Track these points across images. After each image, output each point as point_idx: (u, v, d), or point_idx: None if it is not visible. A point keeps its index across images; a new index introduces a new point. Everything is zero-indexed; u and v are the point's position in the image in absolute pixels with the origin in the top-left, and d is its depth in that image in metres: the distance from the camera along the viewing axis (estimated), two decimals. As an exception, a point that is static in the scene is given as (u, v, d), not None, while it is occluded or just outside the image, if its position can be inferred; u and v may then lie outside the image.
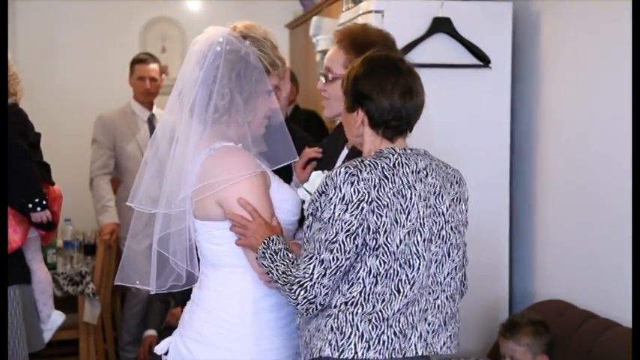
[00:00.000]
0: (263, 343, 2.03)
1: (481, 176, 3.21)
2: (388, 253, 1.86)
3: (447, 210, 1.95)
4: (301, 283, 1.86)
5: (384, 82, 1.93)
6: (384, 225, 1.85)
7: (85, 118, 4.92)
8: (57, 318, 2.94)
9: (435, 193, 1.93)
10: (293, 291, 1.87)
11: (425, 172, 1.93)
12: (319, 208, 1.88)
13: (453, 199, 1.97)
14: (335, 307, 1.90)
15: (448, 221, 1.95)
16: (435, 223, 1.93)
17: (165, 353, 2.13)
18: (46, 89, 5.25)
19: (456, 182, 2.00)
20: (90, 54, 5.60)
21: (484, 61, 3.17)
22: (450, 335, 1.98)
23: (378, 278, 1.87)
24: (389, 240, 1.86)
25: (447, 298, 1.96)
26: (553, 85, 3.14)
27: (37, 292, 2.83)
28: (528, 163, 3.30)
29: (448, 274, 1.96)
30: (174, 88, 2.07)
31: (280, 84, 2.24)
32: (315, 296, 1.85)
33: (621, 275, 2.58)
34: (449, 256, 1.95)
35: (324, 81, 2.33)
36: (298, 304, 1.88)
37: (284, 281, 1.89)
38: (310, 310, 1.88)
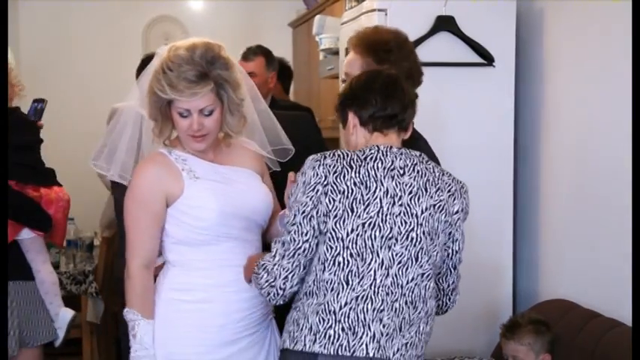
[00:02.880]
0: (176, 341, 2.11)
1: (485, 175, 3.20)
2: (335, 239, 1.86)
3: (422, 213, 1.90)
4: (265, 266, 1.93)
5: (367, 82, 1.97)
6: (335, 209, 1.86)
7: (87, 117, 4.93)
8: (65, 315, 2.96)
9: (410, 193, 1.90)
10: (259, 276, 1.93)
11: (401, 171, 1.90)
12: (290, 194, 1.95)
13: (434, 205, 1.92)
14: (299, 299, 1.93)
15: (421, 224, 1.89)
16: (405, 223, 1.88)
17: None
18: (49, 89, 5.22)
19: (448, 191, 1.95)
20: (92, 53, 5.61)
21: (488, 59, 3.16)
22: (407, 343, 1.89)
23: (326, 265, 1.87)
24: (337, 225, 1.86)
25: (405, 303, 1.89)
26: (557, 83, 3.13)
27: (42, 292, 2.85)
28: (532, 162, 3.29)
29: (412, 280, 1.89)
30: None
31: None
32: (275, 279, 1.90)
33: (625, 275, 2.57)
34: (416, 260, 1.89)
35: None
36: (262, 288, 1.93)
37: (255, 270, 1.96)
38: (273, 295, 1.92)
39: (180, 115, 2.07)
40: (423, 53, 3.03)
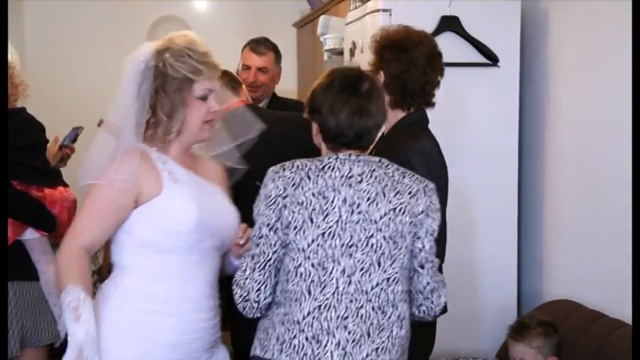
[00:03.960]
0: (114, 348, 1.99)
1: (489, 175, 3.21)
2: (297, 250, 1.88)
3: (382, 218, 1.89)
4: (237, 281, 1.94)
5: (335, 100, 1.94)
6: (295, 221, 1.88)
7: (91, 117, 4.91)
8: None
9: (368, 199, 1.89)
10: (234, 292, 1.94)
11: (359, 178, 1.91)
12: (254, 206, 1.95)
13: (394, 209, 1.90)
14: (269, 308, 1.95)
15: (380, 229, 1.89)
16: (364, 230, 1.89)
17: None
18: (53, 89, 5.25)
19: (409, 193, 1.93)
20: (97, 53, 5.61)
21: (492, 59, 3.16)
22: (377, 348, 1.89)
23: (289, 276, 1.89)
24: (298, 237, 1.88)
25: (373, 309, 1.89)
26: (561, 83, 3.12)
27: (46, 292, 2.85)
28: (537, 162, 3.28)
29: (377, 285, 1.89)
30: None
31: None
32: (248, 292, 1.91)
33: (631, 275, 2.56)
34: (379, 265, 1.89)
35: None
36: (238, 304, 1.94)
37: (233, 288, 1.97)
38: (248, 309, 1.93)
39: (201, 99, 2.08)
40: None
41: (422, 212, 1.94)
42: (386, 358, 1.90)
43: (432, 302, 2.02)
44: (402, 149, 2.28)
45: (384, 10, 3.06)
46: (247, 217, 2.08)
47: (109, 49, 5.62)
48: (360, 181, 1.90)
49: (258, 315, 1.96)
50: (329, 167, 1.91)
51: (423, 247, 1.96)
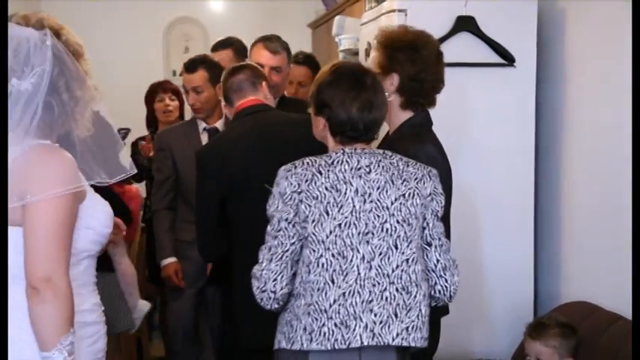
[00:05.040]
0: None
1: (505, 176, 3.19)
2: (316, 242, 1.96)
3: (393, 204, 1.99)
4: (254, 274, 2.01)
5: (345, 95, 2.03)
6: (312, 214, 1.96)
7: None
8: (143, 307, 3.10)
9: (378, 188, 2.00)
10: (252, 285, 2.01)
11: (368, 169, 2.01)
12: (269, 205, 2.02)
13: (403, 194, 2.01)
14: (289, 301, 2.01)
15: (393, 214, 1.99)
16: (378, 217, 1.98)
17: None
18: (71, 89, 5.29)
19: (415, 179, 2.04)
20: (113, 54, 5.64)
21: (508, 59, 3.15)
22: (407, 327, 1.97)
23: (310, 267, 1.96)
24: (317, 229, 1.96)
25: (397, 290, 1.98)
26: (578, 83, 3.11)
27: (122, 284, 2.95)
28: (553, 162, 3.26)
29: (397, 267, 1.98)
30: None
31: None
32: (265, 283, 1.98)
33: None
34: (396, 248, 1.99)
35: None
36: (256, 296, 2.01)
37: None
38: (266, 300, 1.99)
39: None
40: (443, 54, 3.03)
41: (429, 195, 2.05)
42: (417, 336, 1.99)
43: (447, 280, 2.09)
44: (407, 152, 2.29)
45: (399, 11, 3.05)
46: (252, 219, 2.07)
47: (125, 49, 5.66)
48: (369, 172, 2.01)
49: (276, 306, 2.01)
50: (338, 162, 2.00)
51: (427, 225, 2.06)
